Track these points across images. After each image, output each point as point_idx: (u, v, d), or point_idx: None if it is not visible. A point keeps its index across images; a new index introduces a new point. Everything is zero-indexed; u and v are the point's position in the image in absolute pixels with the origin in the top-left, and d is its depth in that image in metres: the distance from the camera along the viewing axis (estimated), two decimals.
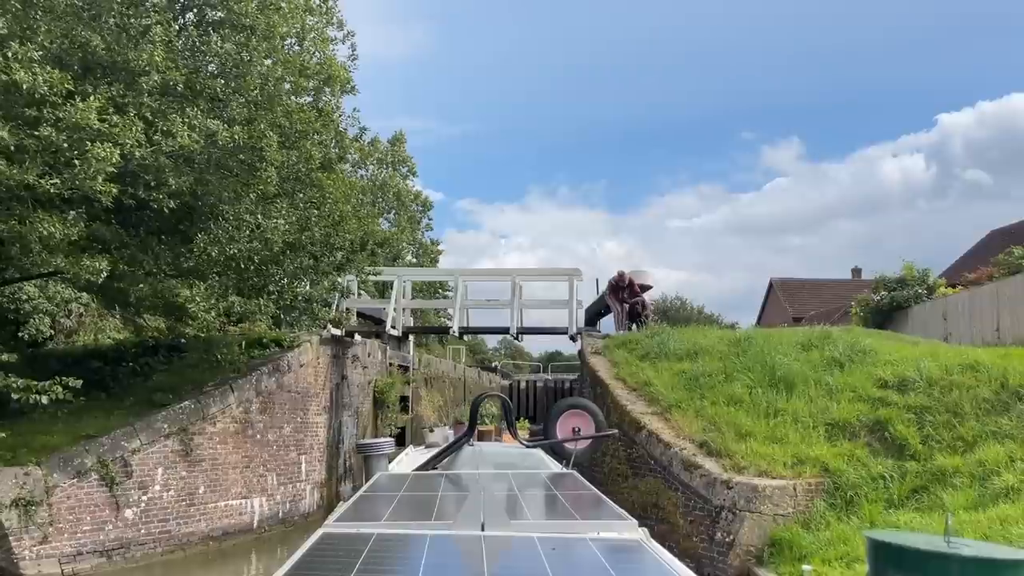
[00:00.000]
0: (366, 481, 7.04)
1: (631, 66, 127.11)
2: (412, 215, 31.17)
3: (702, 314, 46.02)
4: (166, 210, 9.85)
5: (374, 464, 10.32)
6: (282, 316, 13.03)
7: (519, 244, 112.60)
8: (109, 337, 15.89)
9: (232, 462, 12.42)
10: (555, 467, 7.57)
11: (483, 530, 3.73)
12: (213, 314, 10.84)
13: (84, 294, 10.60)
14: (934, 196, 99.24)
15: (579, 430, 9.30)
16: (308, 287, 12.97)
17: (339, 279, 13.86)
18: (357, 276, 14.72)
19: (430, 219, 35.39)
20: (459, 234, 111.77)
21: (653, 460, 10.66)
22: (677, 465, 10.10)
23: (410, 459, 8.94)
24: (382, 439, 13.26)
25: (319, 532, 3.71)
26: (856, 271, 39.08)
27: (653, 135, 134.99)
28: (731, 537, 8.85)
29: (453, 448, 8.09)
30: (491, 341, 59.37)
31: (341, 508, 4.67)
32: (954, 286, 19.89)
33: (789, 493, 9.02)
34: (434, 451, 8.53)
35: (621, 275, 17.78)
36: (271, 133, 10.48)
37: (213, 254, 10.62)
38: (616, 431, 10.28)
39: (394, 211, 29.24)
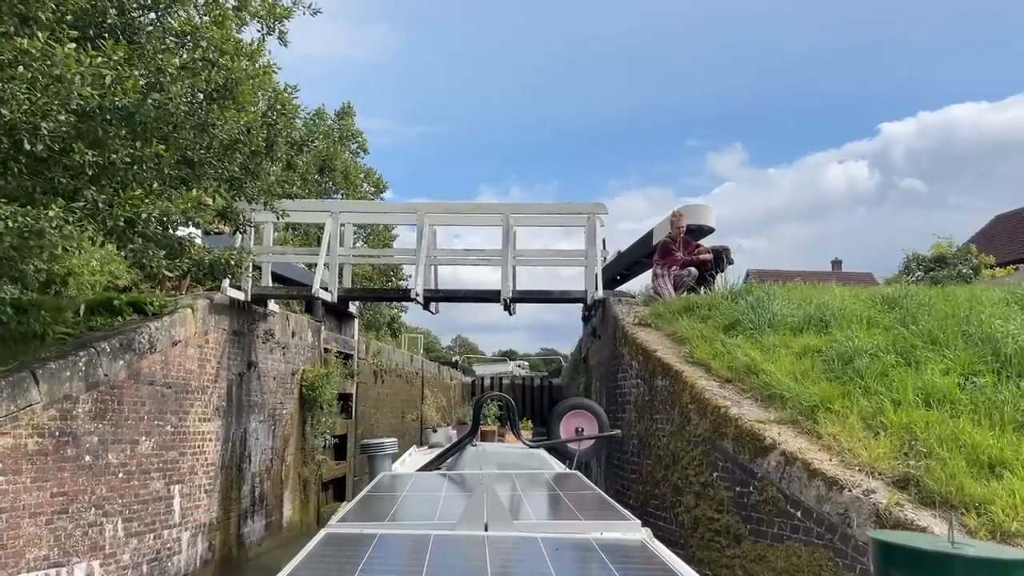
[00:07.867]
0: (369, 481, 7.08)
1: (585, 71, 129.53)
2: (363, 196, 28.31)
3: None
4: None
5: (378, 464, 10.28)
6: (111, 243, 7.09)
7: (470, 244, 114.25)
8: None
9: (31, 504, 6.98)
10: (559, 467, 7.60)
11: (486, 530, 3.74)
12: None
13: None
14: (875, 203, 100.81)
15: (582, 430, 9.33)
16: (169, 203, 6.84)
17: (236, 201, 8.51)
18: (267, 206, 9.02)
19: (383, 200, 32.02)
20: (409, 232, 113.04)
21: (800, 509, 6.20)
22: (859, 523, 5.60)
23: (413, 459, 9.01)
24: (385, 438, 13.13)
25: (322, 532, 3.74)
26: (836, 263, 39.56)
27: (604, 139, 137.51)
28: None
29: (456, 448, 8.14)
30: (444, 340, 59.71)
31: (344, 508, 4.70)
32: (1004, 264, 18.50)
33: None
34: (437, 451, 8.57)
35: (679, 224, 11.70)
36: None
37: None
38: (619, 431, 10.06)
39: (342, 191, 26.81)
